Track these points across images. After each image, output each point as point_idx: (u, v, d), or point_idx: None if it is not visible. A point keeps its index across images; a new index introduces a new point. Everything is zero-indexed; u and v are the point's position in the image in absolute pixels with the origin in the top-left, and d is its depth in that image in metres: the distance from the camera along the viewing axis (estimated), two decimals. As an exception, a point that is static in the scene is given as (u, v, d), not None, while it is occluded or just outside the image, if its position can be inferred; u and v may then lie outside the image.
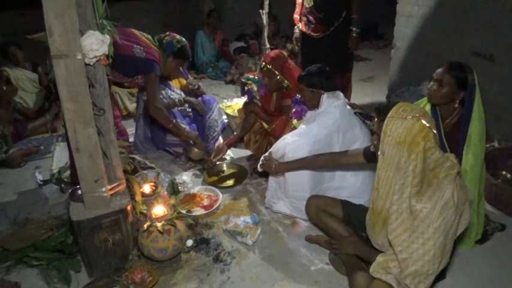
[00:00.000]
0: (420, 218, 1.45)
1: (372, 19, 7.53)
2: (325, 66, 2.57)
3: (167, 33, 2.83)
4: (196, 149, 2.91)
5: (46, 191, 2.78)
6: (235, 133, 3.11)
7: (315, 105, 2.50)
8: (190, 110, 3.33)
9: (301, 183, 2.35)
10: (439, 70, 2.02)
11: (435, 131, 1.47)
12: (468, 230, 2.10)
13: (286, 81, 2.80)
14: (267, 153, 2.44)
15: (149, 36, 2.75)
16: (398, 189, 1.48)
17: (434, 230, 1.42)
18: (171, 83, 3.33)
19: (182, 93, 3.33)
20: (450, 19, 3.42)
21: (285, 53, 2.98)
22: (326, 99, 2.44)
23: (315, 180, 2.36)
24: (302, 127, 2.47)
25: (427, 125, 1.44)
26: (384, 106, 1.58)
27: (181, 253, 2.15)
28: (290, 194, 2.39)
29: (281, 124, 2.84)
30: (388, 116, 1.49)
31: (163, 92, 3.20)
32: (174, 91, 3.29)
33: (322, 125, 2.37)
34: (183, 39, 2.86)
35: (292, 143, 2.36)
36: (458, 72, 1.96)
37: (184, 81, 3.45)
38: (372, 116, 2.41)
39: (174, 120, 2.82)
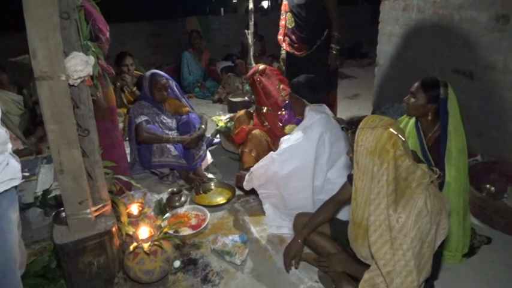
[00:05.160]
0: (397, 229, 1.47)
1: (356, 38, 7.74)
2: (315, 78, 2.61)
3: None
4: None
5: (29, 214, 2.72)
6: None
7: (299, 114, 2.52)
8: (175, 129, 3.33)
9: (299, 200, 2.37)
10: (415, 84, 2.13)
11: (404, 138, 1.51)
12: (455, 243, 2.12)
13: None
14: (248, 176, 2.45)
15: None
16: (374, 199, 1.50)
17: (412, 239, 1.44)
18: (164, 107, 3.31)
19: (174, 121, 3.34)
20: (430, 38, 3.52)
21: (261, 67, 3.10)
22: (309, 111, 2.48)
23: (311, 195, 2.38)
24: (288, 143, 2.48)
25: (395, 132, 1.48)
26: (355, 119, 1.64)
27: (169, 275, 2.11)
28: (290, 212, 2.39)
29: (242, 133, 2.91)
30: (359, 127, 1.54)
31: (156, 117, 3.20)
32: (168, 116, 3.29)
33: (310, 139, 2.39)
34: None
35: (280, 158, 2.40)
36: (429, 86, 2.06)
37: (177, 103, 3.42)
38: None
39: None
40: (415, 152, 1.90)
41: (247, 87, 4.58)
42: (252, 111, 3.35)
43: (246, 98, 4.41)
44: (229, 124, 3.57)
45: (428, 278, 1.55)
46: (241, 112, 3.40)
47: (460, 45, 3.21)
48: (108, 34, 2.13)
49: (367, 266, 1.64)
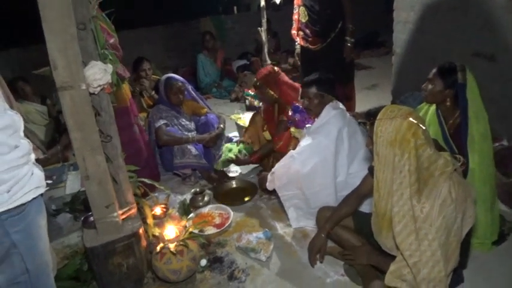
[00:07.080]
0: (421, 219, 1.45)
1: (372, 28, 7.60)
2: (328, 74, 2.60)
3: None
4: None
5: (60, 220, 2.82)
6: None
7: (319, 112, 2.46)
8: (194, 131, 3.37)
9: (322, 198, 2.35)
10: (432, 70, 2.11)
11: (424, 127, 1.49)
12: (483, 231, 2.07)
13: (275, 94, 2.90)
14: (271, 172, 2.46)
15: None
16: (396, 190, 1.49)
17: (437, 229, 1.43)
18: (182, 109, 3.35)
19: (193, 123, 3.38)
20: (447, 22, 3.43)
21: (276, 68, 3.03)
22: (326, 107, 2.45)
23: (334, 191, 2.37)
24: (306, 141, 2.46)
25: (415, 121, 1.46)
26: (374, 110, 1.62)
27: (196, 273, 2.15)
28: (314, 212, 2.36)
29: (287, 139, 2.86)
30: (378, 118, 1.53)
31: (175, 120, 3.25)
32: (186, 118, 3.34)
33: (328, 136, 2.36)
34: None
35: (300, 157, 2.38)
36: (446, 71, 2.03)
37: (195, 104, 3.45)
38: None
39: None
40: (437, 141, 1.87)
41: (248, 93, 4.57)
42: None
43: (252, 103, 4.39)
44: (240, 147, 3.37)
45: (457, 267, 1.53)
46: (255, 116, 3.36)
47: (479, 27, 3.11)
48: (112, 40, 2.17)
49: (393, 257, 1.63)
